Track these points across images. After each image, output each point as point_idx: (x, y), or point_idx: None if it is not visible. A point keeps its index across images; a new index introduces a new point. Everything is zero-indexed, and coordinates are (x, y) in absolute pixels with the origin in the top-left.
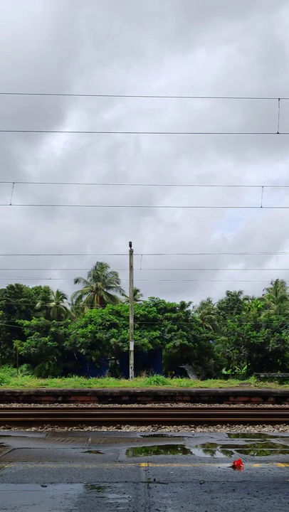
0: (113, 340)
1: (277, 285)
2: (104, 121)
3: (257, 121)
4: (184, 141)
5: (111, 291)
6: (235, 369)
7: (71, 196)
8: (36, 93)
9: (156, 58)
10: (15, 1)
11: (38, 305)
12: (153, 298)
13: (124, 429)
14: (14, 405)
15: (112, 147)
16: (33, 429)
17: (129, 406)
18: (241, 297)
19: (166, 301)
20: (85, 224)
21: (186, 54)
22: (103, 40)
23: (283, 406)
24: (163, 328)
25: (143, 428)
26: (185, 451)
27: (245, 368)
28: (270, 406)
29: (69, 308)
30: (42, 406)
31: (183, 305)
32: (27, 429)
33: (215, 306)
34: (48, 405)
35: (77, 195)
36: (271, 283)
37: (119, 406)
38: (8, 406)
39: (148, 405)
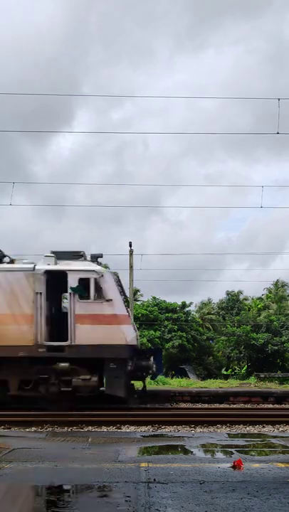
0: None
1: (278, 285)
2: (112, 121)
3: (265, 121)
4: (191, 140)
5: None
6: (236, 369)
7: (78, 196)
8: (39, 93)
9: (165, 58)
10: (32, 1)
11: None
12: (155, 298)
13: (124, 429)
14: None
15: (120, 147)
16: (33, 429)
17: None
18: (241, 297)
19: (167, 302)
20: (91, 224)
21: (195, 54)
22: (113, 39)
23: (283, 406)
24: (163, 329)
25: (143, 428)
26: (185, 451)
27: (245, 368)
28: (270, 406)
29: None
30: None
31: (184, 305)
32: (27, 429)
33: (215, 306)
34: None
35: (83, 195)
36: (272, 283)
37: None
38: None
39: (148, 405)
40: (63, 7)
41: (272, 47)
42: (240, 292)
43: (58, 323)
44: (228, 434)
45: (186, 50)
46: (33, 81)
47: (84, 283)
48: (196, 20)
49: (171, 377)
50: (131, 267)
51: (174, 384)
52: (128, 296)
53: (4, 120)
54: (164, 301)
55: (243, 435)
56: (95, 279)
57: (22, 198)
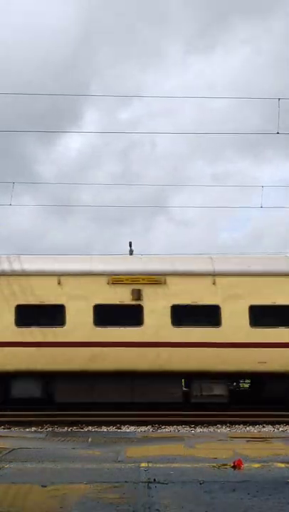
0: None
1: None
2: (120, 121)
3: (274, 121)
4: (200, 140)
5: None
6: None
7: (83, 196)
8: (47, 93)
9: (174, 58)
10: (50, 3)
11: None
12: None
13: (124, 429)
14: None
15: (128, 147)
16: (33, 429)
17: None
18: None
19: None
20: (96, 224)
21: (204, 54)
22: (121, 39)
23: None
24: None
25: (143, 428)
26: (185, 451)
27: None
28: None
29: None
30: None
31: None
32: (27, 429)
33: None
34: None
35: (89, 196)
36: None
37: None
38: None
39: None
40: (81, 9)
41: (282, 47)
42: None
43: None
44: (228, 434)
45: (195, 50)
46: (44, 81)
47: None
48: (207, 20)
49: None
50: None
51: None
52: None
53: (14, 121)
54: None
55: (243, 435)
56: None
57: (28, 198)
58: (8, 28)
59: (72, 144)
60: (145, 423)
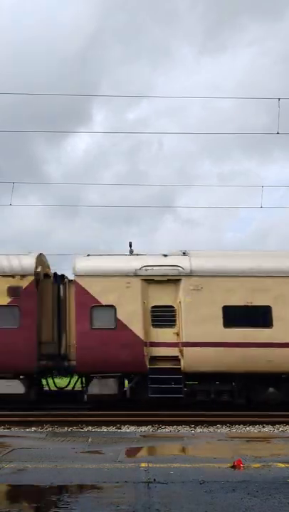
0: None
1: None
2: (128, 121)
3: (281, 121)
4: (207, 139)
5: None
6: None
7: (90, 196)
8: (55, 94)
9: (181, 58)
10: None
11: None
12: None
13: (124, 429)
14: None
15: (135, 146)
16: (33, 429)
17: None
18: None
19: None
20: (102, 224)
21: (213, 54)
22: (131, 38)
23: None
24: None
25: (143, 428)
26: (185, 451)
27: None
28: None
29: None
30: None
31: None
32: (27, 429)
33: None
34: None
35: (96, 195)
36: None
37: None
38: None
39: None
40: (94, 8)
41: (284, 47)
42: None
43: None
44: (228, 434)
45: (204, 50)
46: (49, 82)
47: None
48: (215, 20)
49: None
50: None
51: None
52: None
53: (21, 121)
54: None
55: (243, 435)
56: None
57: (35, 198)
58: (15, 29)
59: (80, 144)
60: (145, 423)
